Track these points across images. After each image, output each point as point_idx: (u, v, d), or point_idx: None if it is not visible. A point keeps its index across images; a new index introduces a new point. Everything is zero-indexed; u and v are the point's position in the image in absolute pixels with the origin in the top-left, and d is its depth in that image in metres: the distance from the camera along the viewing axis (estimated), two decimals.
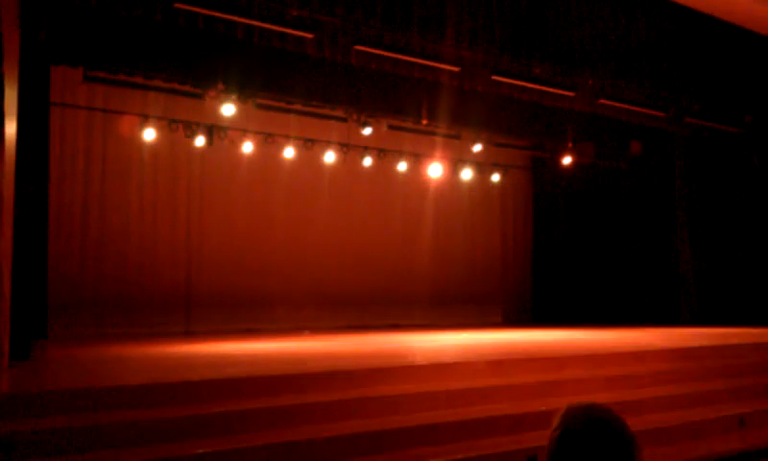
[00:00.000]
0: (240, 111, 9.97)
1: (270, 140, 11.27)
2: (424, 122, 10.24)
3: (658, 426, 6.00)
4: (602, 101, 9.59)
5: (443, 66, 8.29)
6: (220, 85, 8.56)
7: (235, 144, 10.96)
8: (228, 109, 9.47)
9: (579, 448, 1.71)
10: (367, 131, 10.91)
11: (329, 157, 11.69)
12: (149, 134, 10.26)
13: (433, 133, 12.44)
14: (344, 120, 11.39)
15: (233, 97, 9.40)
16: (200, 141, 10.59)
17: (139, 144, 10.52)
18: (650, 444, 5.50)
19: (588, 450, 1.70)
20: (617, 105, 9.78)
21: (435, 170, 12.62)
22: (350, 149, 11.93)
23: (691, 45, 9.94)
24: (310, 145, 11.62)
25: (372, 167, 12.14)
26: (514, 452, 5.19)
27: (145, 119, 10.28)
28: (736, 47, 10.43)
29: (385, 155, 12.30)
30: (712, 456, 5.77)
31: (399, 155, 12.38)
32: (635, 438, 1.74)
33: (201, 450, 4.54)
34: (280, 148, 11.32)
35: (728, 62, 10.39)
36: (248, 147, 11.01)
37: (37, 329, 7.84)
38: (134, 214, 10.84)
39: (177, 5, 6.75)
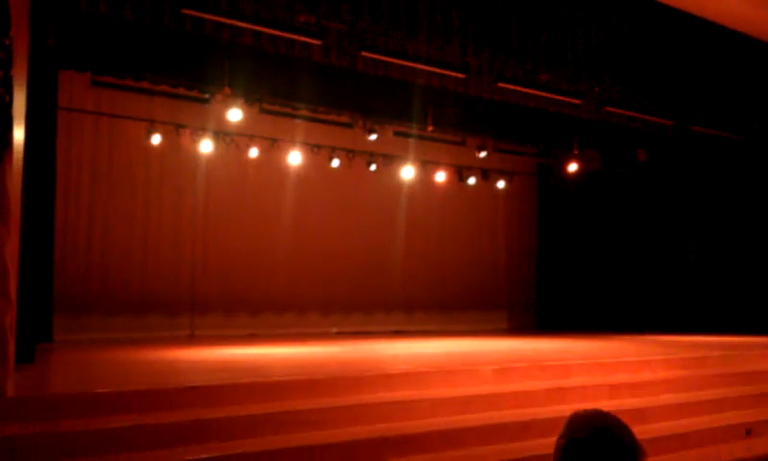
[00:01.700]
0: (246, 117, 9.98)
1: (276, 146, 11.29)
2: (430, 128, 10.24)
3: (663, 434, 5.97)
4: (608, 108, 9.58)
5: (449, 73, 8.30)
6: (227, 90, 8.57)
7: (241, 149, 10.98)
8: (235, 115, 9.47)
9: (585, 455, 1.71)
10: (373, 137, 10.92)
11: (335, 162, 11.70)
12: (155, 139, 10.29)
13: (439, 140, 12.44)
14: (350, 126, 11.40)
15: (240, 102, 9.42)
16: (206, 146, 10.59)
17: (146, 149, 10.55)
18: (655, 452, 5.48)
19: (594, 458, 1.70)
20: (623, 112, 9.77)
21: (440, 176, 12.64)
22: (356, 155, 11.95)
23: (697, 54, 9.91)
24: (316, 151, 11.63)
25: (378, 173, 12.14)
26: (519, 460, 5.18)
27: (152, 124, 10.32)
28: (742, 55, 10.41)
29: (390, 161, 12.31)
30: None
31: (405, 161, 12.38)
32: (640, 445, 1.74)
33: (202, 455, 4.54)
34: (286, 153, 11.32)
35: (733, 70, 10.36)
36: (254, 152, 11.04)
37: (42, 333, 7.87)
38: (140, 218, 10.85)
39: (184, 10, 6.78)
